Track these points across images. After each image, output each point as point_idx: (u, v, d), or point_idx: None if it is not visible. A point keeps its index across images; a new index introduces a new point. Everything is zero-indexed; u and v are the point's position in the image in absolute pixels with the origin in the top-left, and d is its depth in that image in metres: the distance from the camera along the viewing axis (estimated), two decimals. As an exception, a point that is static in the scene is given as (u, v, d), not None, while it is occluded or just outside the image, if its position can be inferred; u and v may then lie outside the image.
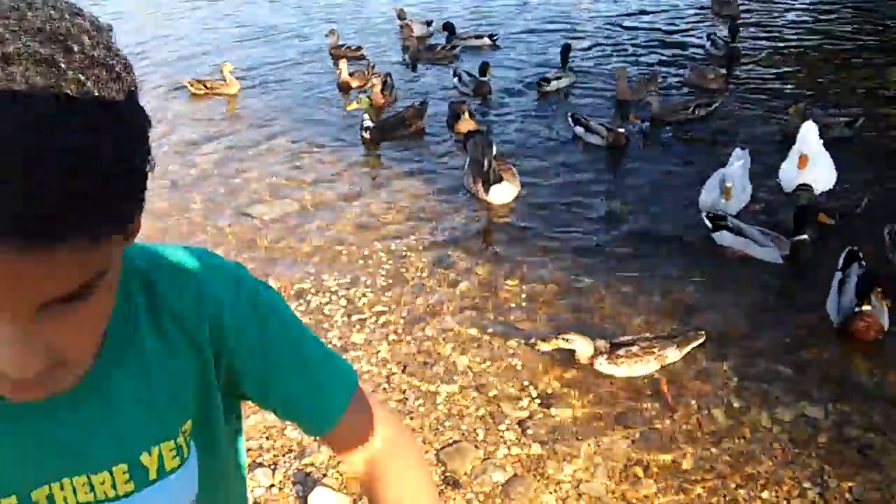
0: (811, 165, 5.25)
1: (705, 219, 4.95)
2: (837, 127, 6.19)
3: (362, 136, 6.78)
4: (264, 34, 10.81)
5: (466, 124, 6.60)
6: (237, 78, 8.31)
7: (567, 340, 3.83)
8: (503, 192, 5.44)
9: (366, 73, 8.22)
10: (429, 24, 10.10)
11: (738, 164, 5.34)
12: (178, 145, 7.03)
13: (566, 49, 8.12)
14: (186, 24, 11.78)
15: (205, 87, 8.04)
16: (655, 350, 3.78)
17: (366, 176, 6.34)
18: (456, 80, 7.96)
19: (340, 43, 9.31)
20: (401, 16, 10.04)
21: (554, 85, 7.84)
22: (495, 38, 9.53)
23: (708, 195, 5.27)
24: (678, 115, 6.80)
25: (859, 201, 5.09)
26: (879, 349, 3.92)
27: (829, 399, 3.63)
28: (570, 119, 6.68)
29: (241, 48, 10.19)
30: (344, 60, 8.22)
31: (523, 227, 5.35)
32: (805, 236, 4.56)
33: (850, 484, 3.16)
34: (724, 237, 4.79)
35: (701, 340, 3.93)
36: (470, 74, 7.87)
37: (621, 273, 4.73)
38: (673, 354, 3.83)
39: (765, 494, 3.14)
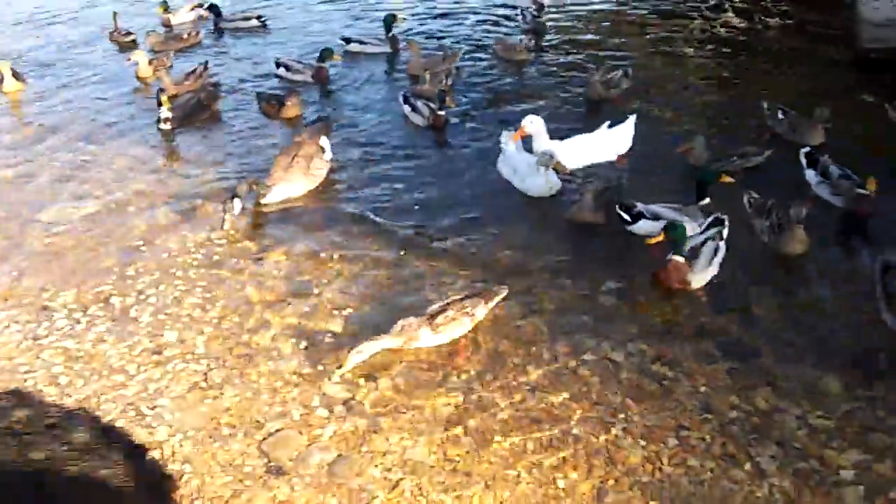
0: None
1: (620, 213, 4.75)
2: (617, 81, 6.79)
3: (160, 129, 6.45)
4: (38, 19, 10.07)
5: (292, 110, 6.66)
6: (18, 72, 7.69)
7: (360, 352, 3.68)
8: (276, 196, 5.33)
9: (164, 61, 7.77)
10: (202, 6, 9.63)
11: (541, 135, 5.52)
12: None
13: (390, 18, 8.21)
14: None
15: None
16: (468, 310, 3.89)
17: (166, 169, 6.01)
18: (282, 69, 7.58)
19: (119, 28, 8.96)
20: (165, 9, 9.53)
21: (356, 47, 8.15)
22: (264, 18, 9.34)
23: (533, 181, 5.26)
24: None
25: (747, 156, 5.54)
26: (682, 296, 4.25)
27: (629, 340, 3.91)
28: (400, 98, 6.69)
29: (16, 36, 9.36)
30: (142, 52, 7.72)
31: (338, 208, 5.33)
32: (708, 200, 4.74)
33: (649, 414, 3.43)
34: (642, 226, 4.66)
35: (504, 294, 4.09)
36: (300, 62, 7.63)
37: (438, 245, 4.82)
38: (481, 311, 3.96)
39: (576, 431, 3.34)
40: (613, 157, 5.64)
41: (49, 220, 5.29)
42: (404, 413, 3.50)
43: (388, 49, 8.13)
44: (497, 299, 4.06)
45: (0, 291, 4.54)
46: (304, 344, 3.98)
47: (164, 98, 6.41)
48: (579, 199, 4.94)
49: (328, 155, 5.65)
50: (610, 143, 5.64)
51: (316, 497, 3.10)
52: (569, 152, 5.41)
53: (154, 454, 3.33)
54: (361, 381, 3.70)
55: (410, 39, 8.06)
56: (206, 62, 7.69)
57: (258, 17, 9.31)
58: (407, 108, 6.51)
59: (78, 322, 4.25)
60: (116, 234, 5.10)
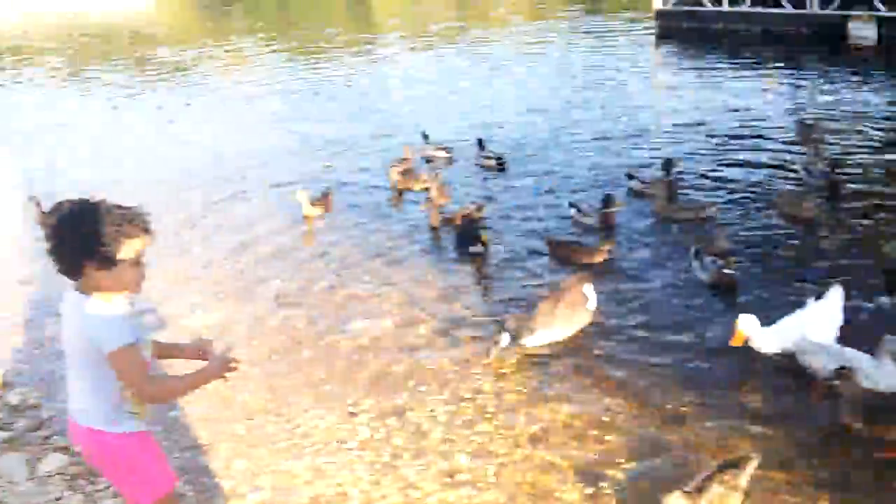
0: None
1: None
2: None
3: (472, 252, 6.90)
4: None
5: (600, 255, 6.64)
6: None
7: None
8: (536, 340, 5.29)
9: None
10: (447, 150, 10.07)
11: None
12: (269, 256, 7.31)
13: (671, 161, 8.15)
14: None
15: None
16: (732, 483, 3.65)
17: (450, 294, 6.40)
18: (573, 210, 7.60)
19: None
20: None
21: (637, 185, 8.13)
22: (503, 161, 9.44)
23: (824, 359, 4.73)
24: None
25: None
26: None
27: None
28: (692, 251, 6.38)
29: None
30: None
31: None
32: None
33: None
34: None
35: (758, 460, 3.81)
36: (591, 204, 7.59)
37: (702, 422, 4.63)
38: (744, 481, 3.71)
39: None
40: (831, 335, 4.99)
41: (354, 333, 5.84)
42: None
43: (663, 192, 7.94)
44: (753, 465, 3.77)
45: (312, 393, 5.07)
46: (590, 490, 3.96)
47: (485, 237, 6.90)
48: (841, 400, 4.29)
49: (592, 304, 5.57)
50: (822, 319, 5.04)
51: None
52: (776, 336, 4.94)
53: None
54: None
55: (659, 179, 7.91)
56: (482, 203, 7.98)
57: (498, 160, 9.46)
58: (696, 264, 6.33)
59: (377, 431, 4.60)
60: (409, 351, 5.50)
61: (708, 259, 6.18)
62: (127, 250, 2.57)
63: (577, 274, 5.91)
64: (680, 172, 8.19)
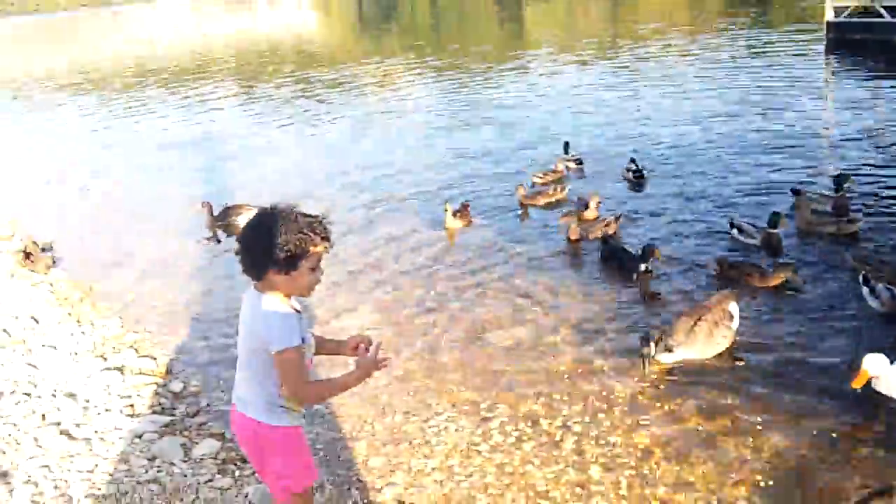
0: None
1: None
2: None
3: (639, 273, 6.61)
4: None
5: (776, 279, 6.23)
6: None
7: None
8: (674, 357, 5.14)
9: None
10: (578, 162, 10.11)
11: None
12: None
13: (843, 179, 7.60)
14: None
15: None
16: None
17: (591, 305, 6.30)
18: (735, 231, 7.22)
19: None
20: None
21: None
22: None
23: None
24: None
25: None
26: None
27: None
28: (860, 278, 5.87)
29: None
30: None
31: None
32: None
33: None
34: None
35: None
36: (754, 225, 7.17)
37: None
38: None
39: None
40: None
41: (492, 341, 5.88)
42: None
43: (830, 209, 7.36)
44: None
45: (448, 396, 5.16)
46: (730, 516, 3.76)
47: (658, 252, 6.58)
48: None
49: (735, 323, 5.32)
50: None
51: None
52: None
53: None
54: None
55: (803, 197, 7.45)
56: (620, 215, 7.91)
57: (636, 172, 9.26)
58: (865, 290, 5.76)
59: (509, 436, 4.61)
60: (545, 361, 5.48)
61: (881, 286, 5.67)
62: (310, 258, 2.73)
63: (722, 291, 5.64)
64: (849, 188, 7.60)
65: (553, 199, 8.92)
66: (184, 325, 6.81)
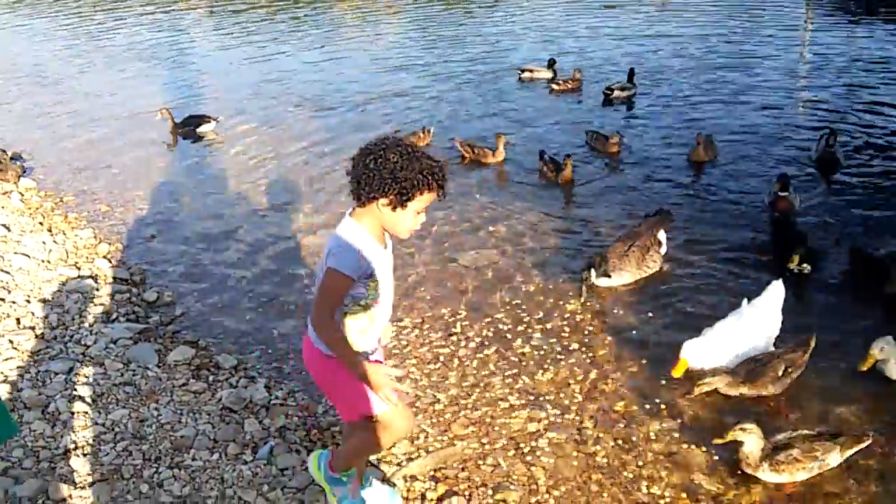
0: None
1: None
2: None
3: None
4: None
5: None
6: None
7: (745, 430, 3.55)
8: (607, 282, 5.39)
9: None
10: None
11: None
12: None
13: None
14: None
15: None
16: (818, 455, 3.54)
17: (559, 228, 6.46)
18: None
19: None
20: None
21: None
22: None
23: None
24: None
25: None
26: None
27: None
28: None
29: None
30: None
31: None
32: None
33: None
34: None
35: (867, 443, 3.63)
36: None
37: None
38: (834, 459, 3.57)
39: None
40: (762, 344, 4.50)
41: (463, 263, 6.03)
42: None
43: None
44: (858, 448, 3.62)
45: (418, 312, 5.32)
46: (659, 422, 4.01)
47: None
48: None
49: (664, 249, 5.68)
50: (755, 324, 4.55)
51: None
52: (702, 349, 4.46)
53: (528, 489, 3.62)
54: (732, 481, 3.62)
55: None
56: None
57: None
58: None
59: (476, 351, 4.81)
60: (505, 278, 5.65)
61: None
62: (421, 199, 2.65)
63: (651, 219, 5.89)
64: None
65: (424, 144, 8.34)
66: (157, 236, 6.85)
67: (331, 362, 2.83)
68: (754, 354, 4.35)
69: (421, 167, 2.60)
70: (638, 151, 8.05)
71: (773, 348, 4.48)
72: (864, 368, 4.21)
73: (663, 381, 4.40)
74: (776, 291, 4.64)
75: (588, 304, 5.25)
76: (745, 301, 4.66)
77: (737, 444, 3.60)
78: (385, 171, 2.57)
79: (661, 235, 5.71)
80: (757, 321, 4.53)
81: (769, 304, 4.59)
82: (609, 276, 5.36)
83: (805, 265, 5.27)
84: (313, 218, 6.97)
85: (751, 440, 3.56)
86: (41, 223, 7.06)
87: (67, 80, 12.80)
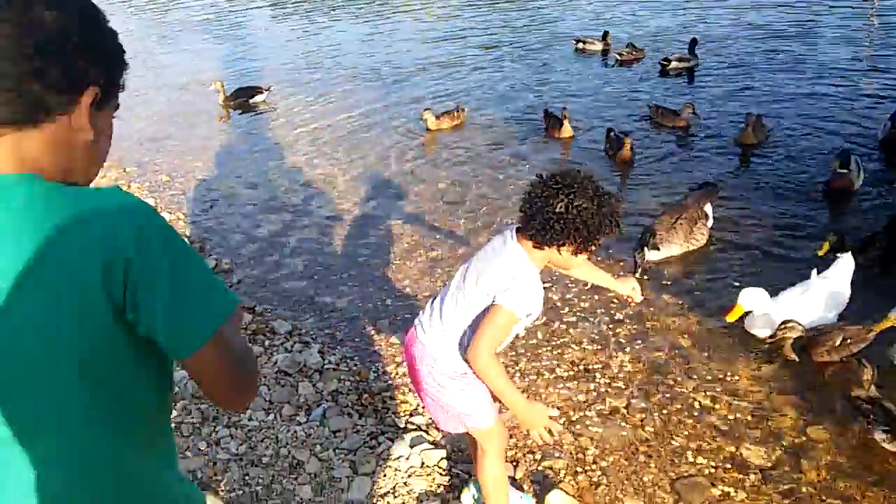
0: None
1: None
2: None
3: None
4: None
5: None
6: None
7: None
8: (656, 255, 5.33)
9: None
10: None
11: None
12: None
13: None
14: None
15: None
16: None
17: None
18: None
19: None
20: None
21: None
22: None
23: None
24: None
25: None
26: None
27: None
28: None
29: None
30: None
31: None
32: None
33: None
34: None
35: None
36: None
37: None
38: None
39: None
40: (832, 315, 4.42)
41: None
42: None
43: None
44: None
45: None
46: (722, 404, 4.00)
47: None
48: None
49: (710, 222, 5.62)
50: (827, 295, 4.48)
51: (722, 552, 3.13)
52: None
53: (574, 458, 3.67)
54: (785, 455, 3.61)
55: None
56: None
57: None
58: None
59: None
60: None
61: None
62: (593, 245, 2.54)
63: (698, 192, 5.82)
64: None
65: (458, 122, 8.34)
66: (216, 205, 7.04)
67: (461, 380, 2.72)
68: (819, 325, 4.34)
69: (609, 212, 2.46)
70: (703, 125, 7.88)
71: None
72: (731, 320, 4.36)
73: (712, 354, 4.39)
74: (845, 264, 4.60)
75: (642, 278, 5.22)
76: (814, 272, 4.62)
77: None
78: (578, 220, 2.41)
79: (708, 208, 5.65)
80: (824, 292, 4.50)
81: (837, 277, 4.57)
82: (658, 249, 5.34)
83: (840, 252, 4.80)
84: (367, 188, 7.07)
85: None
86: (105, 192, 7.32)
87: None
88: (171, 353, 1.27)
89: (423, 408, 4.02)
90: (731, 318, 4.37)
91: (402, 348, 2.93)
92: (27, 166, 1.20)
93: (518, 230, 2.59)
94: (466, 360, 2.58)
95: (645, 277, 5.20)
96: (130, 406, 1.30)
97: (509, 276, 2.50)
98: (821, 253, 4.76)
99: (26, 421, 1.22)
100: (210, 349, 1.26)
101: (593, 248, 2.53)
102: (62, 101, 1.21)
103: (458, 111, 8.43)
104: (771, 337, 4.26)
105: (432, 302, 2.81)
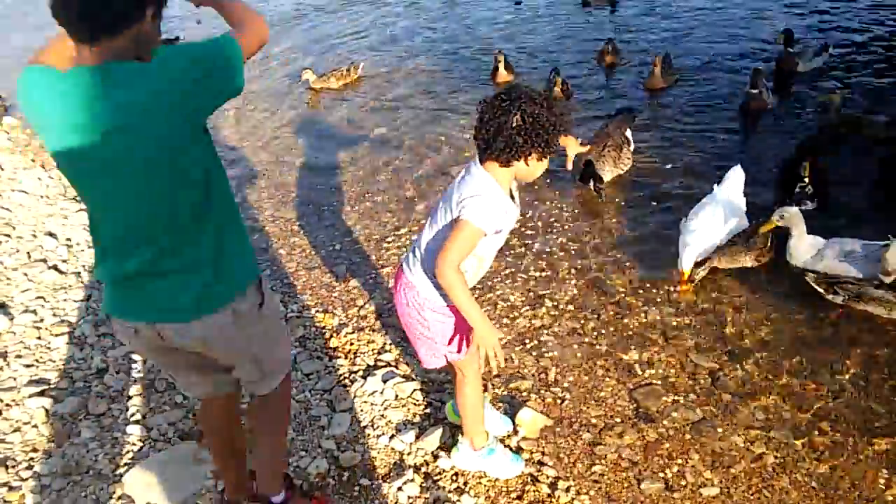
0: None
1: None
2: None
3: None
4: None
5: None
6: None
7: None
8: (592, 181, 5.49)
9: None
10: None
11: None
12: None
13: None
14: None
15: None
16: None
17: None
18: None
19: None
20: None
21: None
22: None
23: None
24: None
25: None
26: None
27: None
28: None
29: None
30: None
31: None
32: None
33: None
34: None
35: None
36: None
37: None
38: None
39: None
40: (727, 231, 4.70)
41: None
42: (767, 396, 3.65)
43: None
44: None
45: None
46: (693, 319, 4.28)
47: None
48: None
49: (632, 147, 5.87)
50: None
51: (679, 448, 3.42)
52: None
53: (537, 378, 3.89)
54: (725, 357, 3.92)
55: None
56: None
57: None
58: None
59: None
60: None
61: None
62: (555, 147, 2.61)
63: (616, 118, 6.06)
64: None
65: (348, 80, 8.27)
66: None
67: (442, 312, 2.83)
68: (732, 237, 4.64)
69: (558, 111, 2.57)
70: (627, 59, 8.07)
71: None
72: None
73: (653, 270, 4.67)
74: (737, 174, 4.92)
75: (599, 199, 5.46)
76: (715, 187, 4.84)
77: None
78: (538, 126, 2.51)
79: (629, 134, 5.89)
80: (728, 205, 4.74)
81: (734, 187, 4.85)
82: (603, 172, 5.54)
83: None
84: (305, 140, 7.05)
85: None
86: (33, 160, 7.08)
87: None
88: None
89: (391, 345, 4.19)
90: (684, 290, 4.46)
91: (392, 289, 3.04)
92: (121, 57, 2.02)
93: (479, 159, 2.67)
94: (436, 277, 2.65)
95: (577, 207, 5.43)
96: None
97: (471, 194, 2.58)
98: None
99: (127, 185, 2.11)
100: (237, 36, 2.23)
101: (555, 149, 2.63)
102: (139, 14, 2.02)
103: (352, 68, 8.28)
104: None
105: (414, 243, 2.92)
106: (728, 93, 7.00)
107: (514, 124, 2.50)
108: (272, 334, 2.56)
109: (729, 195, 4.80)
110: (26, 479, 3.28)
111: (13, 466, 3.37)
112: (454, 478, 3.30)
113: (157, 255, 2.18)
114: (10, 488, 3.23)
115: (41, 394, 3.80)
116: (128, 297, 2.26)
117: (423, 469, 3.35)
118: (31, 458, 3.40)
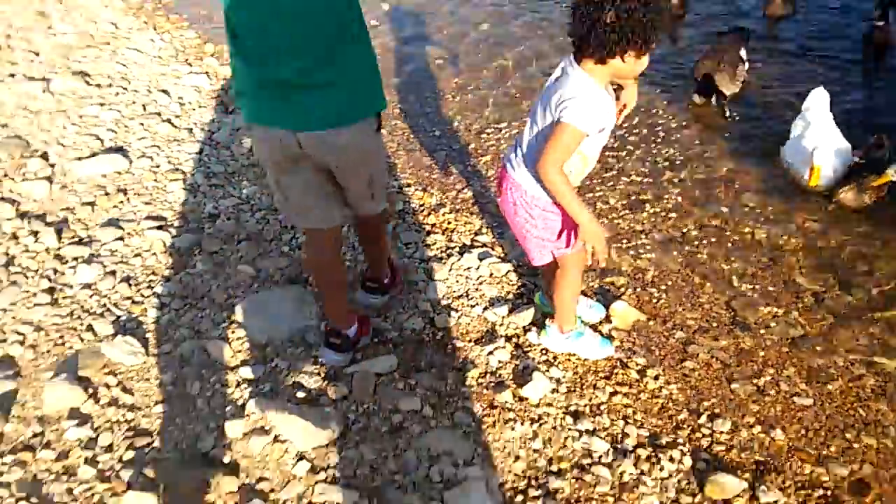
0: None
1: None
2: None
3: None
4: None
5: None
6: None
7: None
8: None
9: None
10: None
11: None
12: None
13: None
14: None
15: None
16: None
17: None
18: None
19: None
20: None
21: None
22: None
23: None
24: None
25: None
26: None
27: None
28: None
29: None
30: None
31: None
32: None
33: None
34: None
35: None
36: None
37: None
38: None
39: None
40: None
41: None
42: (874, 323, 3.55)
43: None
44: None
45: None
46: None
47: None
48: None
49: (746, 66, 5.57)
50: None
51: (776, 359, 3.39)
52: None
53: (633, 277, 3.88)
54: (833, 282, 3.82)
55: None
56: None
57: None
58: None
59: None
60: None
61: None
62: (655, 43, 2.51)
63: (729, 35, 5.76)
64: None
65: None
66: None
67: (548, 208, 2.84)
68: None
69: (655, 6, 2.41)
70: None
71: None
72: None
73: (762, 186, 4.54)
74: (820, 96, 4.71)
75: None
76: (803, 109, 4.71)
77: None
78: (634, 21, 2.38)
79: (743, 52, 5.60)
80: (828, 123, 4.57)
81: (822, 110, 4.64)
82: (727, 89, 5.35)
83: None
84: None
85: None
86: (146, 22, 7.23)
87: None
88: None
89: (487, 228, 4.22)
90: (813, 181, 4.31)
91: (496, 183, 3.05)
92: None
93: (575, 56, 2.58)
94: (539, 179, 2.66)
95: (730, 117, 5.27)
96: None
97: (570, 95, 2.53)
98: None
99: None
100: None
101: (655, 45, 2.52)
102: None
103: None
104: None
105: (517, 139, 2.90)
106: (848, 24, 6.56)
107: (608, 20, 2.39)
108: (383, 162, 2.97)
109: (821, 118, 4.59)
110: (148, 297, 3.50)
111: (136, 285, 3.60)
112: (544, 351, 3.36)
113: (311, 66, 2.35)
114: (134, 302, 3.46)
115: (159, 228, 4.01)
116: (274, 106, 2.41)
117: (514, 340, 3.42)
118: (151, 280, 3.63)
